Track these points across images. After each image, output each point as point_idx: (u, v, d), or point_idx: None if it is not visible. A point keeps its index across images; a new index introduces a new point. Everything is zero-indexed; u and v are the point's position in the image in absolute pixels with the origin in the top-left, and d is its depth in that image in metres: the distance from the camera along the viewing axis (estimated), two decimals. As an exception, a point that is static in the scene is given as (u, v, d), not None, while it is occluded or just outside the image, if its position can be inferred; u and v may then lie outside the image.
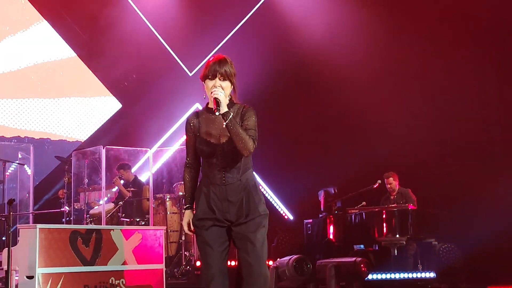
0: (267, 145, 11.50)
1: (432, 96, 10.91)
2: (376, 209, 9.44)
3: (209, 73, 4.17)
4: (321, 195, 10.46)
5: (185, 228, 4.32)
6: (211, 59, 4.24)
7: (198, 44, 12.18)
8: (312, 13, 11.69)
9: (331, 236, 9.78)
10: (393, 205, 9.52)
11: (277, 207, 11.76)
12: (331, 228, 9.77)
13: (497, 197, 11.06)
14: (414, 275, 9.01)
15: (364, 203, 9.82)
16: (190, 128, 4.28)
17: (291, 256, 7.73)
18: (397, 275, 8.88)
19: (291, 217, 11.78)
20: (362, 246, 9.82)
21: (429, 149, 10.63)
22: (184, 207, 4.33)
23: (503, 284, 9.12)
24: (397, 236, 9.16)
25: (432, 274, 9.02)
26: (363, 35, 11.25)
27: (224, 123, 4.06)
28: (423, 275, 9.03)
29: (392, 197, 9.84)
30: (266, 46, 11.70)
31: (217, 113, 4.08)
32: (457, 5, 10.76)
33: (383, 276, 8.81)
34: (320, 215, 10.22)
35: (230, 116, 4.05)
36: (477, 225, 10.08)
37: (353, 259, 8.02)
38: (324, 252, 9.62)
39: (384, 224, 9.23)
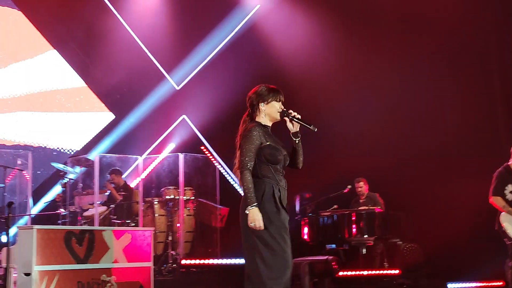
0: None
1: (397, 106, 11.05)
2: (347, 212, 9.53)
3: (277, 97, 4.58)
4: (297, 199, 10.53)
5: (261, 224, 4.32)
6: (271, 86, 4.64)
7: (185, 59, 12.23)
8: (292, 29, 11.80)
9: (305, 237, 9.86)
10: (362, 208, 9.62)
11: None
12: (305, 229, 9.84)
13: (455, 199, 11.22)
14: (381, 272, 9.11)
15: (335, 206, 9.89)
16: (257, 136, 4.48)
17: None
18: (365, 272, 8.97)
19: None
20: (333, 245, 9.88)
21: (395, 156, 10.79)
22: (253, 204, 4.32)
23: (461, 280, 9.24)
24: (365, 236, 9.26)
25: (396, 271, 9.12)
26: (335, 50, 11.39)
27: (297, 140, 4.56)
28: (389, 272, 9.13)
29: (361, 201, 9.94)
30: (249, 60, 11.78)
31: (295, 129, 4.58)
32: (422, 15, 10.91)
33: (353, 272, 8.90)
34: (295, 218, 10.28)
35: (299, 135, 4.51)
36: (438, 225, 10.21)
37: (325, 257, 8.07)
38: (299, 251, 9.67)
39: (354, 226, 9.31)
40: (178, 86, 12.29)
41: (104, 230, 6.79)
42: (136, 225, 9.62)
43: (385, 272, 9.11)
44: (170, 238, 9.84)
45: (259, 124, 4.58)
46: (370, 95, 11.14)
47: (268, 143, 4.47)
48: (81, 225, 9.59)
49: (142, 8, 12.11)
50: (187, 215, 10.09)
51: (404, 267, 9.35)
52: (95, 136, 12.13)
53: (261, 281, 4.29)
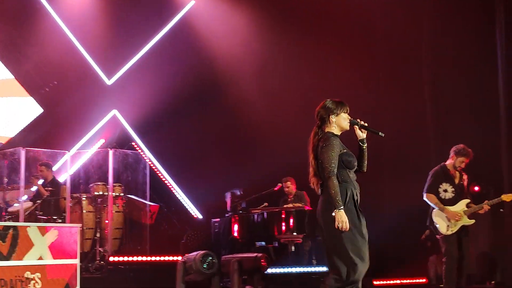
0: (180, 148, 11.52)
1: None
2: (276, 210, 9.57)
3: (344, 109, 5.03)
4: (228, 196, 10.51)
5: (347, 225, 4.70)
6: (337, 99, 5.06)
7: (116, 54, 12.00)
8: (225, 26, 11.77)
9: (235, 234, 9.84)
10: (291, 206, 9.67)
11: (187, 207, 11.71)
12: (236, 227, 9.83)
13: (382, 199, 11.50)
14: (309, 269, 9.19)
15: (266, 204, 9.93)
16: (337, 145, 4.87)
17: (198, 252, 7.71)
18: (294, 269, 9.03)
19: (200, 216, 11.76)
20: (263, 243, 9.92)
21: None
22: (340, 208, 4.70)
23: (387, 278, 9.44)
24: (294, 233, 9.31)
25: (324, 268, 9.21)
26: (265, 46, 11.48)
27: (364, 146, 4.98)
28: (317, 269, 9.22)
29: (289, 199, 9.99)
30: (182, 56, 11.66)
31: (363, 135, 5.00)
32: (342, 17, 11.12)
33: (282, 270, 8.94)
34: (226, 215, 10.26)
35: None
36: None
37: (255, 254, 8.09)
38: (229, 249, 9.66)
39: (283, 223, 9.36)
40: (109, 81, 12.03)
41: (29, 226, 6.56)
42: (64, 222, 9.34)
43: (313, 269, 9.19)
44: (98, 235, 9.62)
45: (333, 133, 4.97)
46: (303, 93, 11.23)
47: (345, 150, 4.90)
48: (5, 221, 9.23)
49: (73, 1, 11.80)
50: (116, 211, 9.89)
51: (332, 264, 9.45)
52: (22, 129, 11.73)
53: (352, 261, 4.75)
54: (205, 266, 7.18)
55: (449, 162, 7.18)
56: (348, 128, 5.02)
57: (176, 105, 11.22)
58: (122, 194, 9.97)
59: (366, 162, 5.04)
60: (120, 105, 11.90)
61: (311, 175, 4.99)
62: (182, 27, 12.09)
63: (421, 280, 9.28)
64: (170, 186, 11.79)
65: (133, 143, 11.62)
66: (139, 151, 11.37)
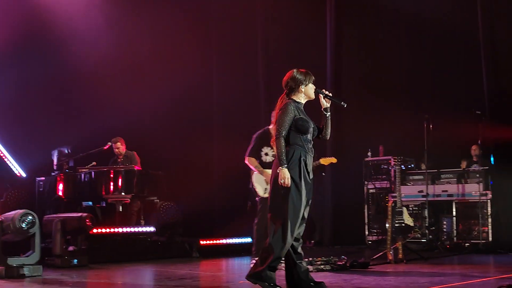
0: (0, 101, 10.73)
1: (155, 74, 11.29)
2: (105, 169, 9.34)
3: (311, 79, 5.27)
4: (55, 154, 10.06)
5: (289, 182, 4.97)
6: (303, 70, 5.28)
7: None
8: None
9: (60, 193, 9.47)
10: (121, 166, 9.47)
11: (9, 164, 10.99)
12: (61, 186, 9.46)
13: (210, 161, 11.67)
14: (137, 229, 9.08)
15: (94, 163, 9.66)
16: (294, 110, 5.14)
17: (17, 211, 7.27)
18: (120, 229, 8.86)
19: (24, 174, 11.10)
20: (90, 203, 9.66)
21: (154, 118, 10.89)
22: (284, 166, 5.01)
23: (213, 238, 9.60)
24: (123, 194, 9.19)
25: (152, 229, 9.17)
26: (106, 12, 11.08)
27: (327, 114, 5.26)
28: (145, 229, 9.14)
29: (119, 160, 9.77)
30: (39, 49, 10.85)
31: (327, 105, 5.27)
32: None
33: (108, 230, 8.73)
34: (53, 174, 9.83)
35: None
36: (193, 185, 10.50)
37: (79, 214, 7.80)
38: (54, 208, 9.28)
39: (111, 183, 9.17)
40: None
41: None
42: None
43: (140, 229, 9.10)
44: None
45: (294, 100, 5.23)
46: (138, 56, 11.19)
47: (301, 116, 5.16)
48: None
49: None
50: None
51: (160, 224, 9.45)
52: None
53: (285, 218, 4.99)
54: (24, 225, 6.77)
55: (272, 126, 7.25)
56: (314, 97, 5.29)
57: (27, 95, 10.52)
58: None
59: (329, 130, 5.31)
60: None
61: (272, 140, 5.24)
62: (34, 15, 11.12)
63: (246, 240, 9.53)
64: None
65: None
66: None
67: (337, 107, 5.47)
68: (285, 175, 5.00)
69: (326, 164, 7.21)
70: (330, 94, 5.30)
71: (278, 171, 5.04)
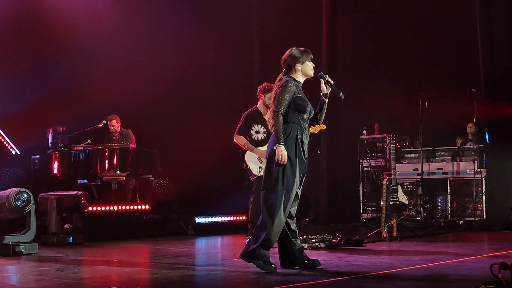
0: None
1: (151, 53, 11.32)
2: (100, 147, 9.31)
3: (309, 57, 5.29)
4: (49, 132, 10.04)
5: (285, 159, 4.99)
6: (301, 48, 5.27)
7: None
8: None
9: (55, 171, 9.44)
10: (116, 144, 9.45)
11: (4, 142, 10.93)
12: (56, 164, 9.44)
13: (205, 139, 11.64)
14: (132, 207, 9.10)
15: (89, 141, 9.63)
16: (293, 88, 5.14)
17: (12, 189, 7.24)
18: (116, 207, 8.88)
19: (18, 152, 11.05)
20: (85, 181, 9.65)
21: (149, 96, 10.84)
22: (282, 143, 5.02)
23: (209, 215, 9.61)
24: (118, 172, 9.17)
25: (147, 206, 9.18)
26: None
27: (326, 100, 5.30)
28: (140, 207, 9.15)
29: (114, 138, 9.74)
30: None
31: (327, 91, 5.29)
32: None
33: (104, 208, 8.74)
34: (48, 151, 9.79)
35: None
36: (188, 163, 10.49)
37: (74, 192, 7.79)
38: (49, 186, 9.26)
39: (106, 161, 9.16)
40: None
41: None
42: None
43: (135, 207, 9.11)
44: None
45: (294, 79, 5.23)
46: (137, 42, 11.28)
47: (300, 95, 5.17)
48: None
49: None
50: None
51: (155, 202, 9.45)
52: None
53: (278, 196, 5.00)
54: (19, 203, 6.75)
55: (259, 104, 7.19)
56: (312, 75, 5.29)
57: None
58: None
59: (323, 116, 5.36)
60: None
61: (269, 117, 5.27)
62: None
63: (241, 218, 9.54)
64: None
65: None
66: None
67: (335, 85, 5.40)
68: (282, 152, 5.00)
69: (316, 132, 7.07)
70: (332, 82, 5.31)
71: (275, 148, 5.04)
